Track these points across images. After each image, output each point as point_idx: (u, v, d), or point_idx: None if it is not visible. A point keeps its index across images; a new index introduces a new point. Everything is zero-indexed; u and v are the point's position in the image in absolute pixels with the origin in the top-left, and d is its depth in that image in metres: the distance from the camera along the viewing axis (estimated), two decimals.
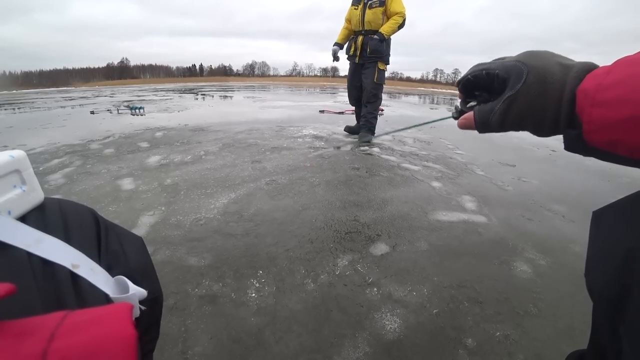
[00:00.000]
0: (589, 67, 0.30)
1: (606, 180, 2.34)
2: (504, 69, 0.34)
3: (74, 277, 0.28)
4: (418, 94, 18.09)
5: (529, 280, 1.10)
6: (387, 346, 0.81)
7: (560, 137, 0.33)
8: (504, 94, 0.33)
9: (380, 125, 3.94)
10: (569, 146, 0.32)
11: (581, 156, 0.32)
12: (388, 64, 3.11)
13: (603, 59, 0.31)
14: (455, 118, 0.41)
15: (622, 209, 0.32)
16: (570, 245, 1.33)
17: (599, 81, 0.27)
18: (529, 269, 1.16)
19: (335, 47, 3.30)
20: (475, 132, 0.38)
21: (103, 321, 0.18)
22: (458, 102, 0.42)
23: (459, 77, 0.40)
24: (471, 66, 0.38)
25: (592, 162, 2.66)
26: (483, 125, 0.36)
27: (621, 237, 0.30)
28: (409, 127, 1.22)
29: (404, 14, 2.90)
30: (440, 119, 0.66)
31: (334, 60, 3.40)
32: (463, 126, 0.39)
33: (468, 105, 0.40)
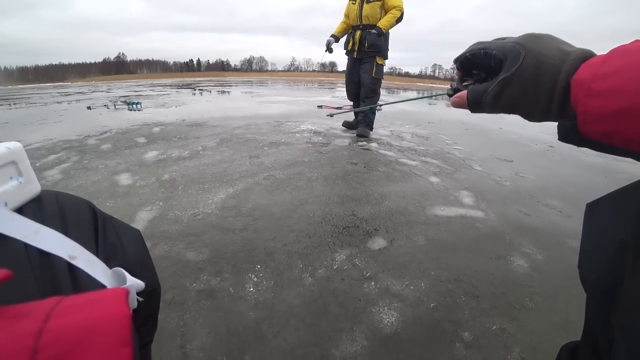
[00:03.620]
0: (586, 55, 0.29)
1: (603, 176, 2.35)
2: (501, 49, 0.33)
3: (72, 269, 0.28)
4: (416, 89, 18.04)
5: (526, 275, 1.11)
6: (384, 340, 0.82)
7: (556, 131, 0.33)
8: (499, 76, 0.33)
9: (379, 120, 3.94)
10: (563, 136, 0.32)
11: (578, 152, 0.32)
12: (386, 58, 3.09)
13: None
14: (450, 95, 0.40)
15: (614, 201, 0.32)
16: (567, 240, 1.34)
17: (594, 71, 0.26)
18: (525, 263, 1.17)
19: (330, 38, 3.25)
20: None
21: (98, 303, 0.18)
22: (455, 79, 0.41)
23: (457, 55, 0.39)
24: (471, 44, 0.37)
25: (589, 158, 2.67)
26: (475, 105, 0.35)
27: (613, 229, 0.30)
28: (403, 101, 1.24)
29: (402, 8, 2.88)
30: (435, 95, 0.66)
31: (326, 51, 3.31)
32: (456, 104, 0.39)
33: (464, 84, 0.39)
